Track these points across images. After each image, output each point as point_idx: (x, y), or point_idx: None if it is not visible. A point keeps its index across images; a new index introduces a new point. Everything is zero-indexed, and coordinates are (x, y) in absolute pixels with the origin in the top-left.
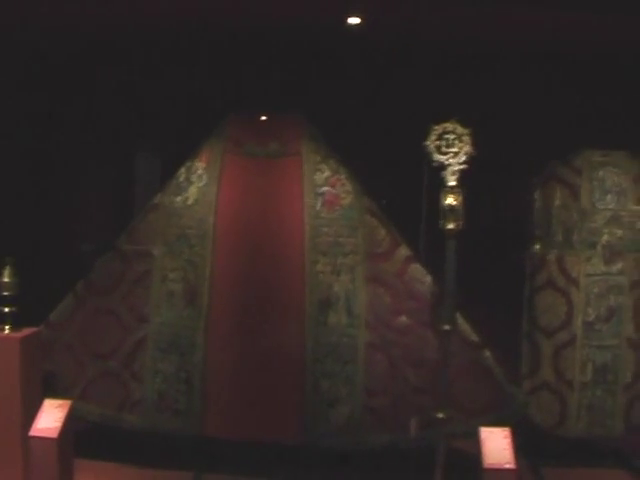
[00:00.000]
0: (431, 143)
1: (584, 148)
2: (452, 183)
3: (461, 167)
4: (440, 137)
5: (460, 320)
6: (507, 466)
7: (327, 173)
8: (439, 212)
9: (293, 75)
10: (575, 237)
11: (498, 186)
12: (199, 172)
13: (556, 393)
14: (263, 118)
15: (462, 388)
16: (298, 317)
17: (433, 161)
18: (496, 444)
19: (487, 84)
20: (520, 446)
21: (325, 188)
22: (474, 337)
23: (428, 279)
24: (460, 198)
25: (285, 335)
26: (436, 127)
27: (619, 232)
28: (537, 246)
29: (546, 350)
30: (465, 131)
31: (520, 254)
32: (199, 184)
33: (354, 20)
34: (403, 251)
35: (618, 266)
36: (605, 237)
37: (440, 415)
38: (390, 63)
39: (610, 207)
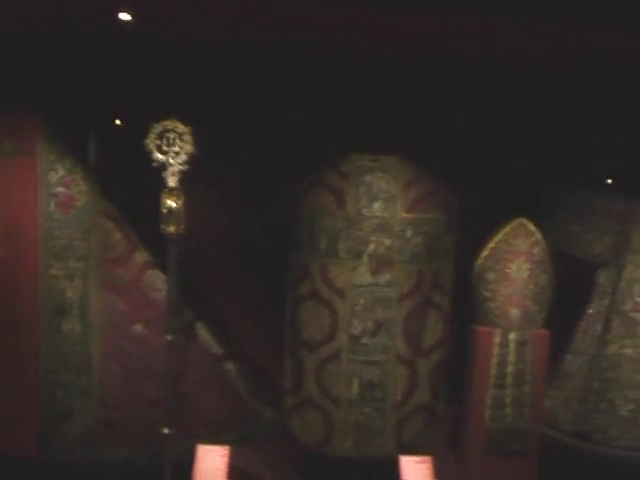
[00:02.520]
0: (151, 142)
1: (352, 152)
2: (172, 184)
3: (182, 168)
4: (160, 136)
5: (201, 331)
6: None
7: (61, 173)
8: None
9: (31, 70)
10: (340, 246)
11: (261, 191)
12: None
13: (320, 410)
14: None
15: (201, 403)
16: (32, 324)
17: (153, 161)
18: (210, 463)
19: (247, 81)
20: (288, 465)
21: (59, 189)
22: (216, 349)
23: (165, 287)
24: (181, 201)
25: (19, 343)
26: (155, 125)
27: (387, 241)
28: (299, 255)
29: (309, 365)
30: (186, 130)
31: (282, 263)
32: None
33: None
34: (140, 256)
35: (386, 277)
36: (372, 246)
37: (165, 431)
38: (125, 59)
39: (377, 215)
